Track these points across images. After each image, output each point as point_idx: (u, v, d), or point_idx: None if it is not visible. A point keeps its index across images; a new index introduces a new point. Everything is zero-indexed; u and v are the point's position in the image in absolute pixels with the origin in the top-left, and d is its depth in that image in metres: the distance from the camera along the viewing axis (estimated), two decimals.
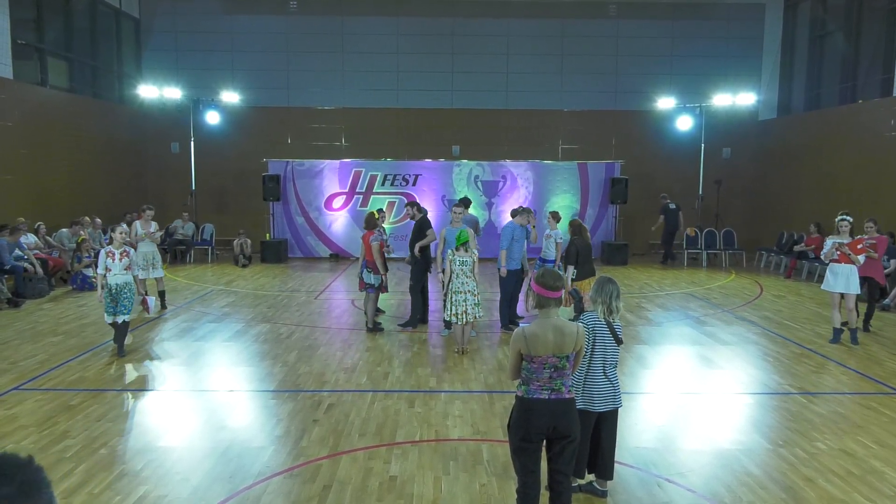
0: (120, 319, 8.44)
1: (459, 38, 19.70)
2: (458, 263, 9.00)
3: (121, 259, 8.48)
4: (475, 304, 9.03)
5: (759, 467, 5.57)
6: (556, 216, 11.46)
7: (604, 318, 4.85)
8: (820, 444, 6.03)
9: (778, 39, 19.45)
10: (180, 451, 5.82)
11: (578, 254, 9.55)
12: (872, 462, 5.69)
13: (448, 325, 9.55)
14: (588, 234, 9.99)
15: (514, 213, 10.58)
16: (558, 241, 11.07)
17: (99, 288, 8.58)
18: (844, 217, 9.37)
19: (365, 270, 9.92)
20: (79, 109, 16.51)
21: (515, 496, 4.29)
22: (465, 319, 8.95)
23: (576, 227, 9.80)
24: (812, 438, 6.17)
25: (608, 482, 5.09)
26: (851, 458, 5.75)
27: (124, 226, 9.31)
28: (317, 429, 6.29)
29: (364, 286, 9.97)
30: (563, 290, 4.32)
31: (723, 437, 6.25)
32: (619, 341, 4.91)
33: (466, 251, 9.01)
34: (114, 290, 8.40)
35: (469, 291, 8.99)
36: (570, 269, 9.56)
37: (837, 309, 9.55)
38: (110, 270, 8.43)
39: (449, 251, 9.20)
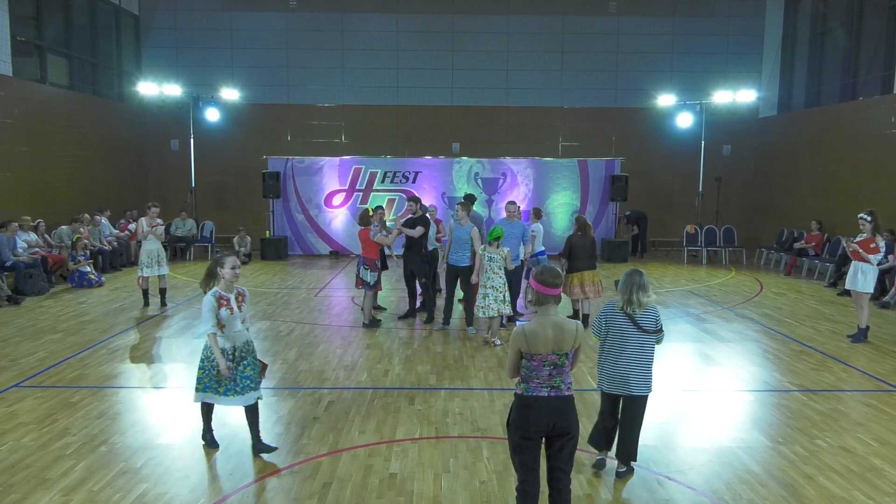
0: (252, 400, 5.61)
1: (459, 34, 19.67)
2: (486, 259, 9.20)
3: (238, 307, 5.68)
4: (498, 299, 9.15)
5: (759, 464, 5.58)
6: (537, 213, 11.80)
7: (622, 309, 5.12)
8: (820, 442, 6.04)
9: (778, 36, 19.40)
10: (180, 448, 5.82)
11: (571, 249, 10.06)
12: (872, 459, 5.69)
13: (469, 321, 10.02)
14: (591, 231, 10.41)
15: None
16: (534, 233, 11.27)
17: (218, 356, 5.54)
18: (862, 216, 9.41)
19: (362, 268, 9.94)
20: (79, 107, 16.48)
21: (515, 494, 4.29)
22: (488, 313, 9.15)
23: (580, 224, 10.20)
24: (812, 436, 6.18)
25: (625, 465, 5.34)
26: (851, 456, 5.76)
27: (235, 258, 5.88)
28: (317, 426, 6.30)
29: (361, 283, 10.00)
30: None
31: (723, 434, 6.25)
32: (641, 330, 5.09)
33: (497, 247, 9.18)
34: (234, 356, 5.63)
35: (493, 287, 9.14)
36: (563, 261, 10.13)
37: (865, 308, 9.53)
38: (224, 326, 5.60)
39: (481, 246, 9.43)
